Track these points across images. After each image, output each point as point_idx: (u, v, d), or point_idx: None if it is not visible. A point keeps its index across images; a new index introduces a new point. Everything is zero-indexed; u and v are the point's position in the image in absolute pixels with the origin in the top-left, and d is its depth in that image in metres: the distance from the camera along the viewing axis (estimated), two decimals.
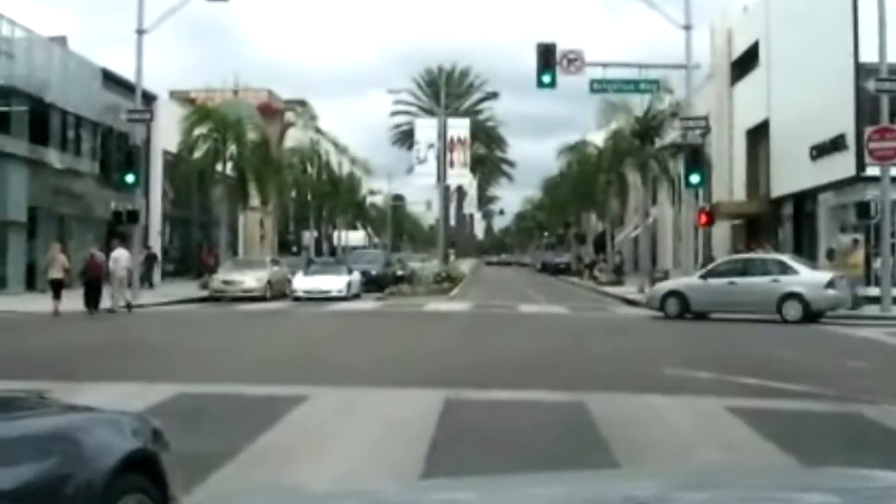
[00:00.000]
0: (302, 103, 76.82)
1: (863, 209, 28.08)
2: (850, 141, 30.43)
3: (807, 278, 23.72)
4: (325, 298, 32.08)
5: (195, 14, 78.31)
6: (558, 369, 13.14)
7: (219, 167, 42.33)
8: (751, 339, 18.72)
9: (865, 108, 28.74)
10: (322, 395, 10.36)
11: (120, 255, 27.21)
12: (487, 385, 11.20)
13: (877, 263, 28.03)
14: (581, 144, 58.86)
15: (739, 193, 43.46)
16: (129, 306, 26.53)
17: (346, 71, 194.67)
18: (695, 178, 30.46)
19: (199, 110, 44.60)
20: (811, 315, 23.03)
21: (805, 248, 35.59)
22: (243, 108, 50.30)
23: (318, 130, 65.60)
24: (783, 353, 15.70)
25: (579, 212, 71.85)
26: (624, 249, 64.42)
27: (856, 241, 28.91)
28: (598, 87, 32.80)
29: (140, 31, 31.36)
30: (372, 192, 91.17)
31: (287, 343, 17.94)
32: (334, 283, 34.07)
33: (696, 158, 30.99)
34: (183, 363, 13.74)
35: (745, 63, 43.07)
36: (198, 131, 41.78)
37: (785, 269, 24.47)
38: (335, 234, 74.00)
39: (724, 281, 24.96)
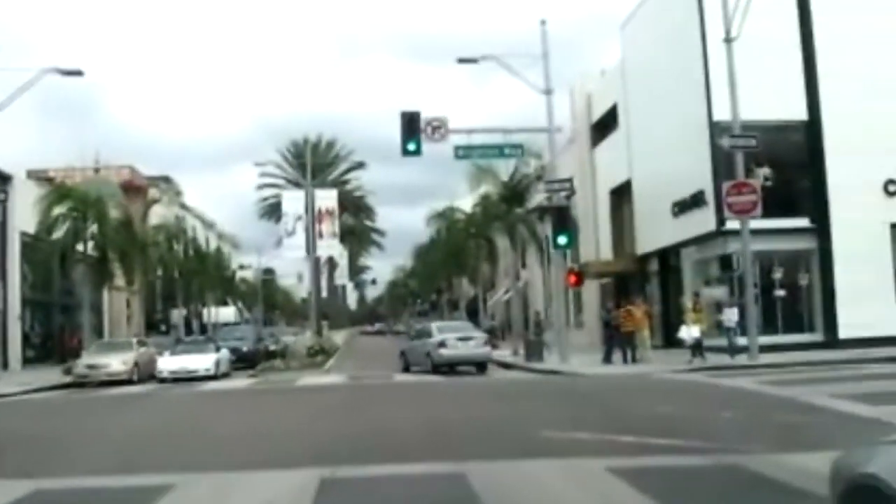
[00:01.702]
0: (166, 179, 75.56)
1: (725, 262, 28.91)
2: (709, 196, 31.35)
3: (434, 340, 31.30)
4: (192, 378, 31.14)
5: (52, 90, 76.40)
6: (436, 438, 12.84)
7: (80, 247, 40.98)
8: (624, 397, 18.82)
9: (721, 165, 29.68)
10: (190, 483, 9.81)
11: None
12: (365, 460, 10.82)
13: (724, 315, 28.68)
14: (449, 210, 59.23)
15: (606, 252, 44.26)
16: None
17: (212, 145, 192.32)
18: (562, 240, 30.80)
19: (57, 189, 43.24)
20: (436, 367, 30.36)
21: (672, 303, 36.40)
22: (105, 186, 48.96)
23: (183, 206, 64.52)
24: (658, 408, 15.76)
25: (451, 277, 72.11)
26: (497, 313, 64.84)
27: (696, 295, 30.45)
28: (462, 153, 32.97)
29: None
30: (241, 267, 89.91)
31: (152, 428, 17.11)
32: (201, 361, 33.12)
33: (563, 220, 31.35)
34: (40, 456, 12.89)
35: (605, 125, 44.19)
36: (57, 211, 40.40)
37: (430, 333, 32.47)
38: (205, 311, 72.41)
39: (414, 342, 33.95)
